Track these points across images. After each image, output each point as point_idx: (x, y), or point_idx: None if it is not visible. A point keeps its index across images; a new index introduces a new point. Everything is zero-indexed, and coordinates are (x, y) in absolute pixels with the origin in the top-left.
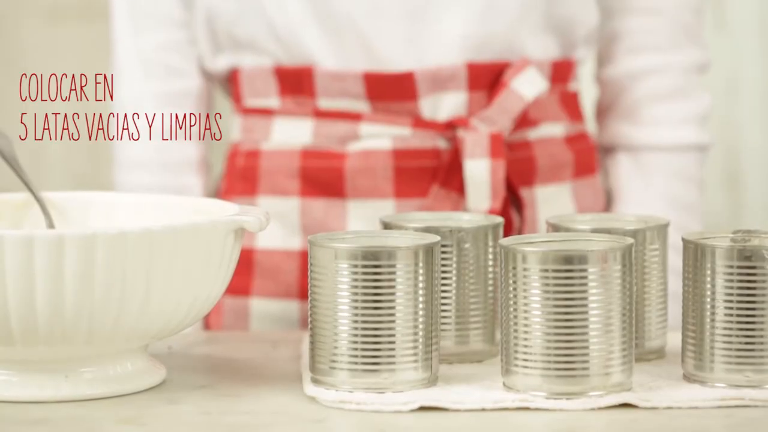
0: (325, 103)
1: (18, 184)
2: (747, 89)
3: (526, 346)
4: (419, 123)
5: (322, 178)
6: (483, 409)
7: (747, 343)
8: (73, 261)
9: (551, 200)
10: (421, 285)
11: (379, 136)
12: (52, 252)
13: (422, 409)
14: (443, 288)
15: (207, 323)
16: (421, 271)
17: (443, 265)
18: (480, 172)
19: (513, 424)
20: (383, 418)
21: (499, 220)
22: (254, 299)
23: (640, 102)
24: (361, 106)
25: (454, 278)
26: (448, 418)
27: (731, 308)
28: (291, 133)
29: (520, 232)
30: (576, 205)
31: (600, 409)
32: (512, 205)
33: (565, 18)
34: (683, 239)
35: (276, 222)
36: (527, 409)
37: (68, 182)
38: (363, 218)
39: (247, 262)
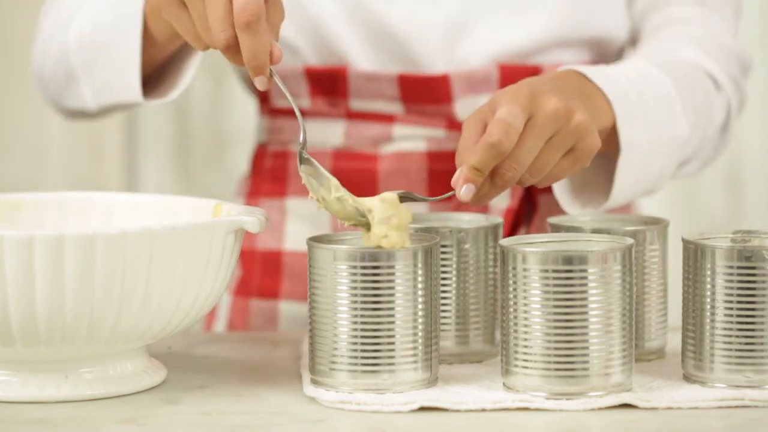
0: (357, 104)
1: (16, 184)
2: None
3: (526, 347)
4: (453, 125)
5: (354, 180)
6: (483, 410)
7: (747, 344)
8: (73, 261)
9: None
10: (420, 286)
11: (413, 138)
12: (52, 252)
13: (422, 409)
14: (443, 288)
15: (232, 325)
16: (420, 272)
17: (443, 266)
18: None
19: (513, 425)
20: (383, 419)
21: (499, 220)
22: (283, 302)
23: (657, 26)
24: (395, 107)
25: (454, 278)
26: (448, 418)
27: (731, 308)
28: (322, 134)
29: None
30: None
31: (600, 409)
32: (525, 210)
33: (598, 35)
34: (683, 239)
35: (306, 223)
36: (527, 409)
37: (68, 182)
38: None
39: (275, 265)
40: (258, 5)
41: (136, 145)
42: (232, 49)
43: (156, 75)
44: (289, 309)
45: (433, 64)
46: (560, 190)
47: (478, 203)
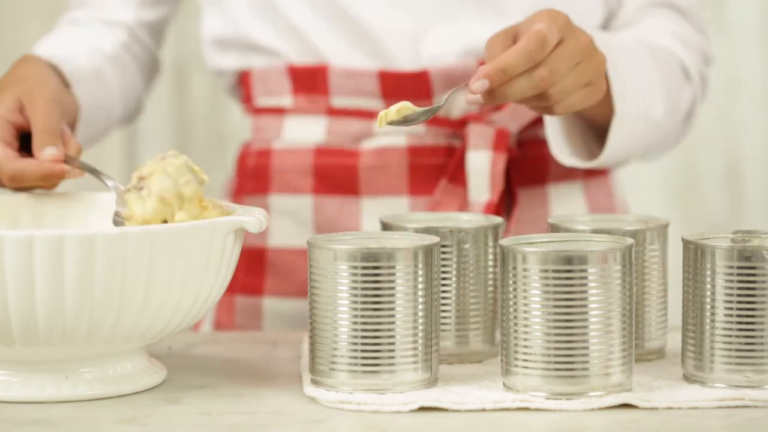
0: (338, 101)
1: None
2: (747, 89)
3: (526, 347)
4: (433, 120)
5: (336, 176)
6: (483, 410)
7: (747, 343)
8: (73, 261)
9: (563, 198)
10: (420, 286)
11: (394, 134)
12: (52, 252)
13: (422, 409)
14: (443, 288)
15: (218, 322)
16: (420, 272)
17: (443, 266)
18: (481, 164)
19: (513, 424)
20: (383, 419)
21: (499, 220)
22: (267, 298)
23: (631, 19)
24: (375, 103)
25: (454, 278)
26: (448, 418)
27: (731, 308)
28: (304, 132)
29: (506, 231)
30: (588, 204)
31: (600, 409)
32: (505, 203)
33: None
34: (683, 239)
35: (289, 220)
36: (527, 409)
37: (68, 182)
38: (377, 215)
39: (258, 261)
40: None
41: (136, 145)
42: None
43: None
44: (272, 305)
45: (405, 62)
46: (553, 133)
47: (489, 102)
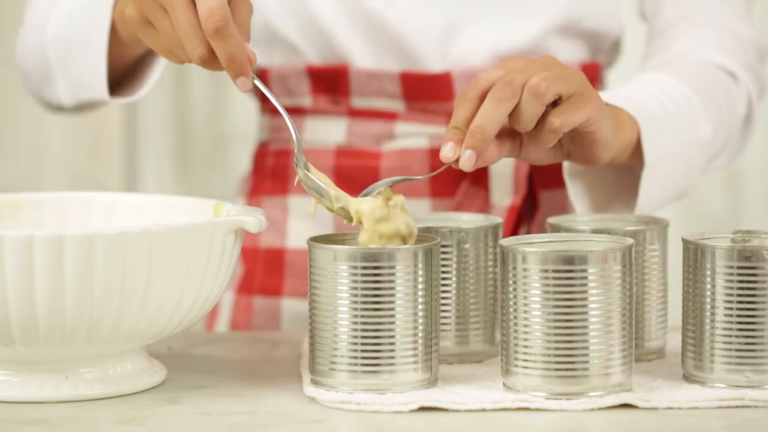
0: (359, 102)
1: (16, 184)
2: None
3: (526, 347)
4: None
5: (357, 177)
6: (483, 410)
7: (747, 344)
8: (73, 261)
9: None
10: (420, 286)
11: (416, 136)
12: (52, 252)
13: (422, 409)
14: (443, 288)
15: (235, 323)
16: (420, 272)
17: (443, 266)
18: (504, 168)
19: (513, 425)
20: (383, 419)
21: (499, 220)
22: (286, 299)
23: (670, 24)
24: (397, 105)
25: (454, 278)
26: (448, 418)
27: (731, 308)
28: (324, 132)
29: (528, 233)
30: None
31: (600, 409)
32: (527, 207)
33: (593, 28)
34: (683, 239)
35: (309, 221)
36: (527, 409)
37: (68, 182)
38: None
39: (278, 262)
40: (222, 9)
41: (136, 145)
42: (209, 62)
43: (128, 73)
44: (291, 306)
45: (432, 62)
46: (581, 210)
47: (480, 141)
